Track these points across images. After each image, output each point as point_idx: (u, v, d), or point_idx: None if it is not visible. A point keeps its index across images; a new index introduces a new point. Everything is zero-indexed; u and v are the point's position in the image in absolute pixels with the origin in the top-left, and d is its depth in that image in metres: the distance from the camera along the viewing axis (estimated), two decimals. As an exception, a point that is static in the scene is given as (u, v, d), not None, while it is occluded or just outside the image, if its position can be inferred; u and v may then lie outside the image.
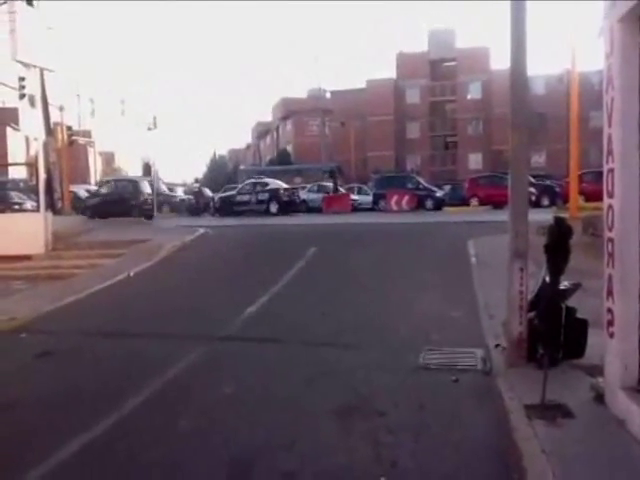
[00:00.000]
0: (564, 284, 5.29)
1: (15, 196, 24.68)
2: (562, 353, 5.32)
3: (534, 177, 28.11)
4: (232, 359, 6.64)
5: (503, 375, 5.44)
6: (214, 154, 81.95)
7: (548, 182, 31.64)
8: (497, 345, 6.12)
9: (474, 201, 30.22)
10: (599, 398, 4.58)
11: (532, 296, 5.61)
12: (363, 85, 58.63)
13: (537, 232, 7.20)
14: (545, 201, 28.03)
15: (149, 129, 26.08)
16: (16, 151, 60.31)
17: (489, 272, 9.70)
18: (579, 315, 5.42)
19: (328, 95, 58.99)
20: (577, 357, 5.40)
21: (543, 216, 8.10)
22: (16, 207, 22.70)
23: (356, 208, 30.41)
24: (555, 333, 5.15)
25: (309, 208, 30.38)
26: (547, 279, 5.20)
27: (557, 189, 29.16)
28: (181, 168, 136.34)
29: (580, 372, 5.19)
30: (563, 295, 5.30)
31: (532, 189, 23.93)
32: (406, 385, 5.60)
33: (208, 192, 34.86)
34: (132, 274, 11.68)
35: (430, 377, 5.75)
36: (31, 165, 30.51)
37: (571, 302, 5.45)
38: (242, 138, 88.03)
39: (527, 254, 5.60)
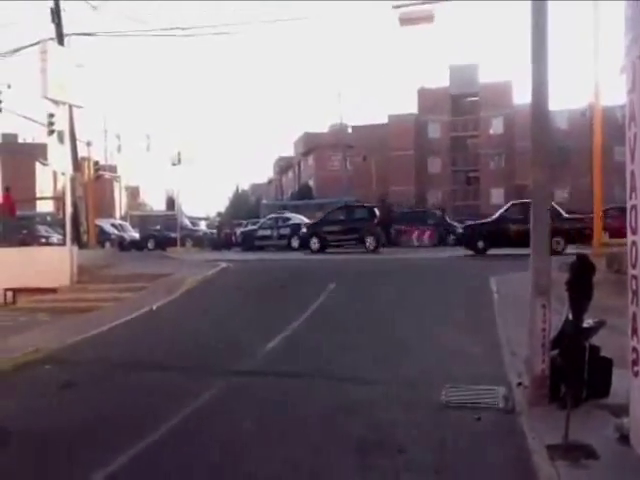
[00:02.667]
0: (587, 322, 5.24)
1: (42, 229, 25.20)
2: (586, 392, 5.24)
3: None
4: (252, 393, 6.65)
5: (525, 414, 5.36)
6: (237, 188, 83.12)
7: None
8: (519, 383, 6.04)
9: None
10: (624, 439, 4.49)
11: (555, 334, 5.56)
12: (385, 120, 59.23)
13: (559, 269, 7.16)
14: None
15: (173, 164, 26.54)
16: (44, 185, 61.84)
17: (512, 309, 9.61)
18: (603, 354, 5.35)
19: (350, 130, 59.67)
20: (601, 397, 5.31)
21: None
22: (43, 240, 23.18)
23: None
24: (578, 372, 5.09)
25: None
26: (570, 317, 5.16)
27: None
28: (204, 202, 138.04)
29: (604, 412, 5.10)
30: (586, 333, 5.25)
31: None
32: (426, 422, 5.54)
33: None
34: (155, 308, 11.80)
35: (451, 415, 5.68)
36: (58, 199, 31.28)
37: (595, 340, 5.39)
38: (264, 172, 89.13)
39: (550, 291, 5.57)
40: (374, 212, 25.59)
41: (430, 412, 5.77)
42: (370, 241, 24.18)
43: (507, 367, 6.93)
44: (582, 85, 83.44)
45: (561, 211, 21.73)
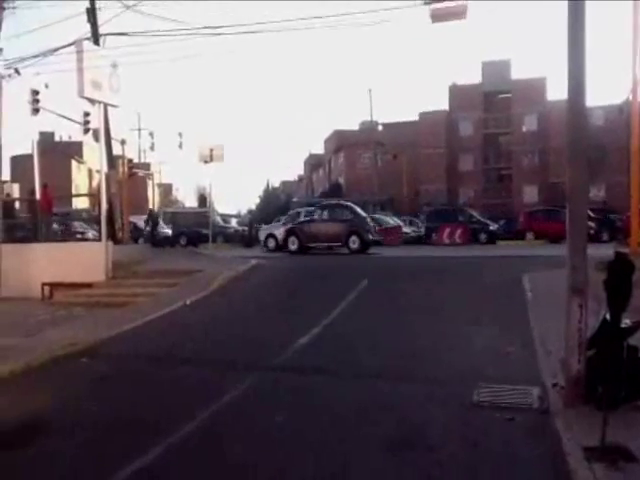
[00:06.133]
0: (625, 322, 5.15)
1: (78, 226, 25.68)
2: (623, 393, 5.14)
3: (593, 211, 27.43)
4: (284, 389, 6.69)
5: (560, 415, 5.29)
6: (267, 185, 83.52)
7: (608, 216, 30.79)
8: (555, 384, 5.96)
9: (530, 235, 29.65)
10: (664, 442, 4.41)
11: (591, 334, 5.47)
12: (415, 117, 58.81)
13: (596, 268, 7.03)
14: (605, 236, 27.24)
15: (205, 162, 26.77)
16: (80, 183, 63.09)
17: (545, 307, 9.47)
18: (641, 354, 5.25)
19: (380, 127, 59.40)
20: (639, 398, 5.21)
21: (602, 251, 7.90)
22: (79, 236, 23.62)
23: (407, 241, 30.24)
24: (616, 372, 5.00)
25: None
26: (607, 317, 5.07)
27: (618, 223, 28.32)
28: (235, 199, 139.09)
29: (642, 413, 5.01)
30: (625, 333, 5.15)
31: (591, 223, 23.33)
32: (458, 421, 5.50)
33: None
34: (188, 302, 11.95)
35: (484, 414, 5.63)
36: (93, 196, 31.87)
37: (633, 341, 5.29)
38: (295, 170, 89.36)
39: (587, 290, 5.48)
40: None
41: (462, 411, 5.73)
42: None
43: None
44: (619, 80, 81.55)
45: None
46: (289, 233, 23.33)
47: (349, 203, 25.87)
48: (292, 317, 10.51)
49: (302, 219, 24.80)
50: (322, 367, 7.43)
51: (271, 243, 26.47)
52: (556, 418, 5.27)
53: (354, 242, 22.07)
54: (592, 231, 23.80)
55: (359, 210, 24.15)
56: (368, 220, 23.32)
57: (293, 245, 22.70)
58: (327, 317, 10.14)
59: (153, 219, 26.95)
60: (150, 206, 46.24)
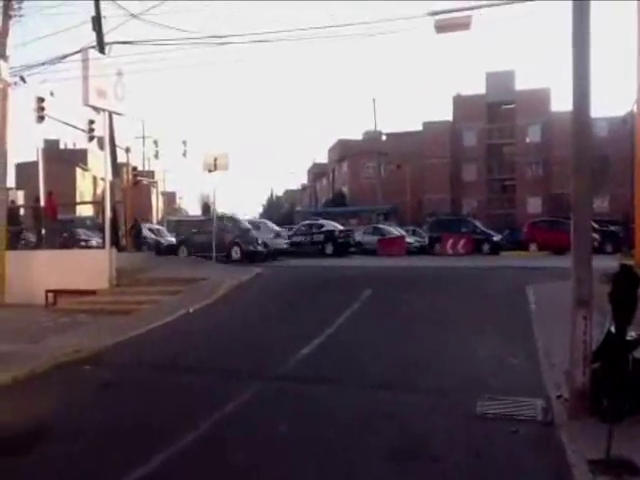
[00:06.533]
0: (631, 335, 5.14)
1: (82, 233, 25.74)
2: (628, 406, 5.12)
3: (597, 222, 27.41)
4: (286, 398, 6.68)
5: (565, 427, 5.27)
6: (271, 194, 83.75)
7: (612, 228, 30.74)
8: (559, 396, 5.94)
9: (533, 246, 29.61)
10: (669, 455, 4.39)
11: (596, 346, 5.45)
12: (419, 127, 58.96)
13: (600, 280, 7.02)
14: (608, 247, 27.18)
15: (209, 171, 26.85)
16: (84, 190, 63.28)
17: (549, 319, 9.46)
18: (646, 367, 5.23)
19: (384, 137, 59.53)
20: (645, 411, 5.19)
21: (607, 263, 7.89)
22: (83, 244, 23.68)
23: (411, 251, 30.24)
24: (621, 385, 4.98)
25: (364, 250, 30.39)
26: (612, 329, 5.06)
27: (621, 235, 28.27)
28: (239, 208, 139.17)
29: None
30: (630, 346, 5.14)
31: (595, 235, 23.30)
32: (461, 432, 5.49)
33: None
34: (191, 310, 11.96)
35: (487, 426, 5.62)
36: (98, 204, 31.95)
37: (638, 354, 5.27)
38: (298, 179, 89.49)
39: (592, 302, 5.47)
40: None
41: (465, 422, 5.72)
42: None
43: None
44: (623, 92, 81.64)
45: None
46: (180, 243, 25.34)
47: (235, 216, 29.06)
48: (295, 326, 10.50)
49: (193, 230, 26.26)
50: (325, 377, 7.42)
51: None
52: (560, 430, 5.26)
53: (236, 252, 23.79)
54: (596, 243, 23.76)
55: (244, 223, 26.63)
56: (251, 233, 25.38)
57: (182, 254, 24.48)
58: (330, 327, 10.13)
59: (136, 229, 27.21)
60: (154, 214, 46.35)
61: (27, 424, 5.84)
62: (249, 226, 26.28)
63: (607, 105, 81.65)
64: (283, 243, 28.07)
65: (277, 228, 29.36)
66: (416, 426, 5.67)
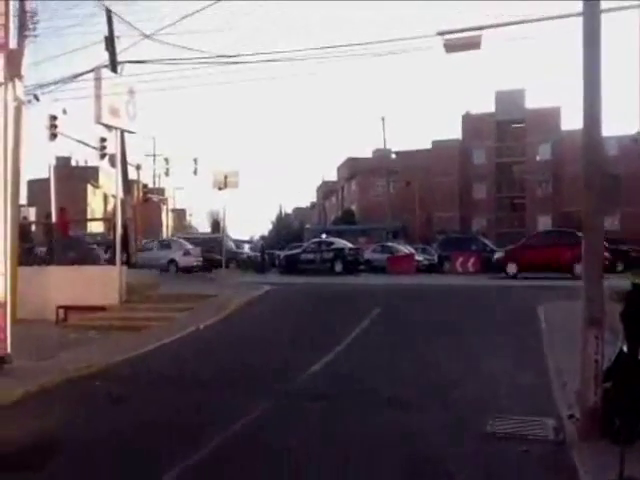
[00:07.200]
0: (642, 354, 5.10)
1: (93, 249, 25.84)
2: (641, 427, 5.07)
3: (608, 241, 27.26)
4: (295, 417, 6.66)
5: (576, 447, 5.22)
6: (280, 212, 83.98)
7: (623, 246, 30.55)
8: (570, 416, 5.88)
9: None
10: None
11: (607, 365, 5.42)
12: (428, 146, 59.11)
13: (611, 298, 6.99)
14: (619, 266, 26.99)
15: (219, 188, 27.02)
16: (95, 207, 63.77)
17: (560, 338, 9.40)
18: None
19: (393, 155, 59.73)
20: (657, 432, 5.14)
21: (617, 282, 7.85)
22: (93, 260, 23.77)
23: (420, 269, 30.15)
24: (633, 405, 4.94)
25: (373, 268, 30.34)
26: (624, 348, 5.03)
27: (633, 254, 28.09)
28: (248, 225, 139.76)
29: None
30: (642, 365, 5.10)
31: (606, 254, 23.15)
32: (472, 452, 5.45)
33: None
34: (202, 327, 11.99)
35: (498, 446, 5.57)
36: (109, 220, 32.19)
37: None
38: (307, 197, 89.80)
39: (603, 321, 5.45)
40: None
41: (476, 442, 5.67)
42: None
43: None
44: (633, 110, 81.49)
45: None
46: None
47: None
48: (305, 343, 10.49)
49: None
50: (334, 395, 7.40)
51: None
52: (572, 450, 5.20)
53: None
54: (607, 262, 23.58)
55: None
56: (95, 252, 26.52)
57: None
58: (339, 344, 10.11)
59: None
60: (164, 231, 46.55)
61: (39, 439, 5.86)
62: (94, 246, 26.74)
63: (618, 123, 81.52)
64: (194, 261, 28.72)
65: (189, 246, 29.79)
66: (426, 446, 5.63)
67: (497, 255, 26.34)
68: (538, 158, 57.04)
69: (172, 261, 27.91)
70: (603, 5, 6.01)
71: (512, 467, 5.12)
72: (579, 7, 5.87)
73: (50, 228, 20.07)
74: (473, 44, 16.60)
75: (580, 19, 5.88)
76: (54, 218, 20.80)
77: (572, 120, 53.36)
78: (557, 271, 22.28)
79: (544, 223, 54.03)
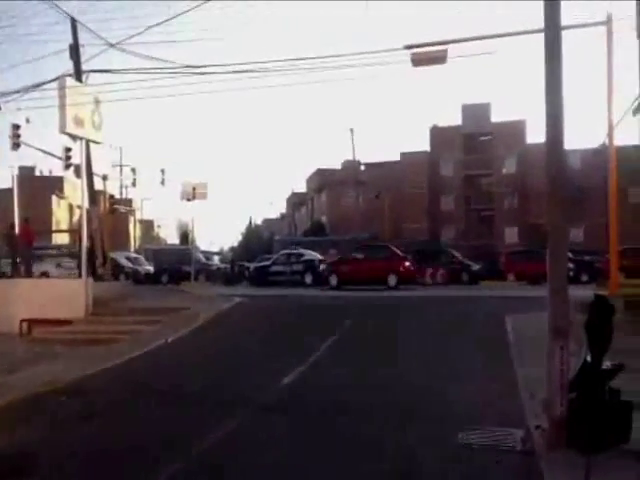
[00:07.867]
0: (606, 364, 5.18)
1: (58, 261, 25.34)
2: (606, 437, 5.15)
3: (572, 252, 27.82)
4: (267, 430, 6.59)
5: (544, 457, 5.28)
6: (250, 223, 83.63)
7: (587, 257, 31.22)
8: (537, 426, 5.95)
9: (511, 276, 29.98)
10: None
11: (573, 376, 5.49)
12: (397, 157, 59.63)
13: (576, 309, 7.11)
14: (584, 277, 27.57)
15: (188, 200, 26.82)
16: (60, 218, 62.62)
17: (528, 349, 9.53)
18: (623, 397, 5.27)
19: (362, 167, 60.09)
20: (622, 442, 5.20)
21: (582, 293, 8.01)
22: (58, 272, 23.29)
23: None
24: (598, 416, 5.01)
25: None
26: (588, 359, 5.11)
27: (597, 265, 28.71)
28: (217, 236, 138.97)
29: (625, 458, 5.01)
30: (606, 376, 5.18)
31: (570, 265, 23.61)
32: (445, 463, 5.47)
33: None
34: (169, 340, 11.82)
35: (469, 456, 5.60)
36: (74, 232, 31.61)
37: (615, 383, 5.32)
38: (277, 208, 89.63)
39: (568, 332, 5.53)
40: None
41: (447, 453, 5.69)
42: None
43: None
44: (595, 124, 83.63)
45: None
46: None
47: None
48: (276, 355, 10.43)
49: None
50: (306, 408, 7.36)
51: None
52: (540, 461, 5.26)
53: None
54: (571, 273, 24.05)
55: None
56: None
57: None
58: (310, 356, 10.08)
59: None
60: (132, 242, 45.91)
61: (5, 458, 5.69)
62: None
63: (581, 137, 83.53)
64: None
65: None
66: (398, 458, 5.63)
67: (321, 267, 27.52)
68: (504, 171, 57.99)
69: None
70: (564, 21, 6.15)
71: (482, 476, 5.16)
72: (541, 23, 5.99)
73: (14, 239, 19.61)
74: (439, 58, 16.90)
75: (542, 35, 6.01)
76: (17, 229, 20.36)
77: (537, 134, 54.55)
78: (374, 283, 24.16)
79: (511, 235, 54.92)
